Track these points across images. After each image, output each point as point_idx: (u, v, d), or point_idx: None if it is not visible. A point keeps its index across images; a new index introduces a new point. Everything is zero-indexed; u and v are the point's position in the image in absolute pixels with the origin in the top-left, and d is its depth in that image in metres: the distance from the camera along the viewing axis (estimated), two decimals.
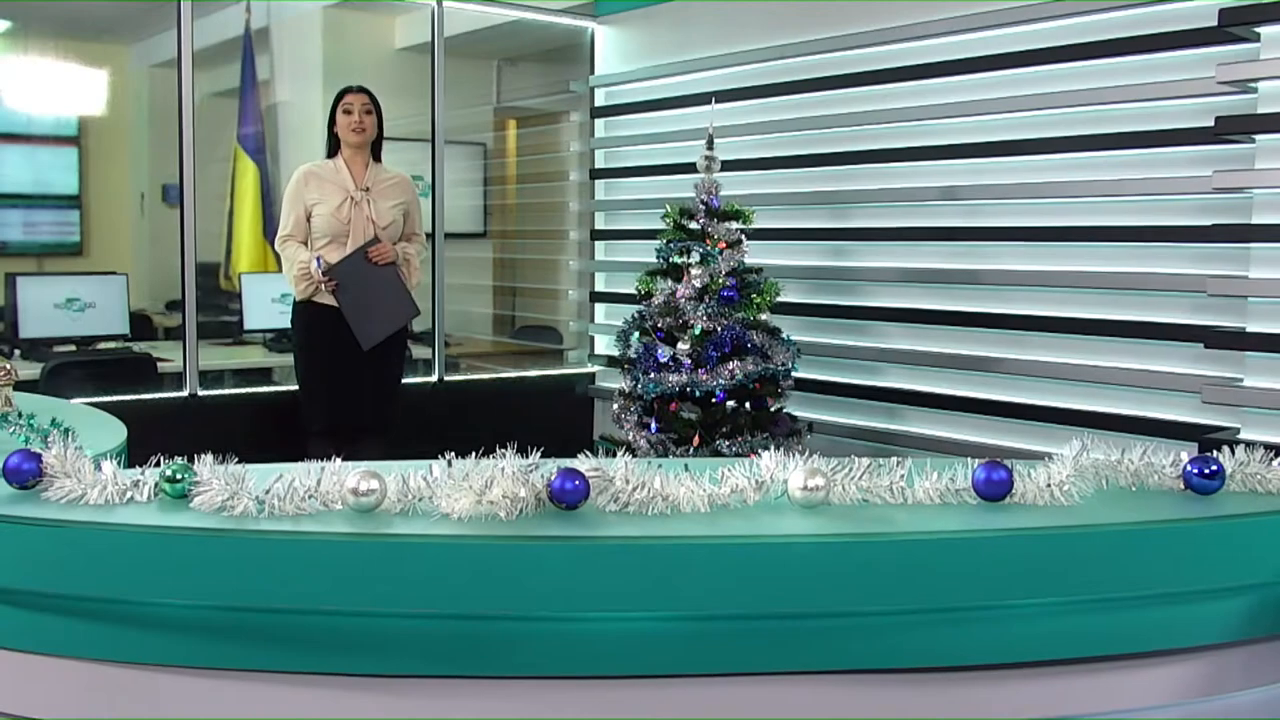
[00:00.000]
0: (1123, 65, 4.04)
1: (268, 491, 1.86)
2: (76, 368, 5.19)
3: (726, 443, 4.11)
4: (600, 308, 6.09)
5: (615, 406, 4.36)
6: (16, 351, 5.52)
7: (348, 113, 4.74)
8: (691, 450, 4.13)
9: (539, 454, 1.95)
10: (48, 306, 5.61)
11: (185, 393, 5.07)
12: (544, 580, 1.78)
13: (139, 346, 5.75)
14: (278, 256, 4.86)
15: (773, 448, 4.06)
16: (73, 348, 5.58)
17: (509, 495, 1.85)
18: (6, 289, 5.71)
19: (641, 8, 5.77)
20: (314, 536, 1.77)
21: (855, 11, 4.76)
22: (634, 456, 4.09)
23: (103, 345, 5.68)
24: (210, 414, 5.08)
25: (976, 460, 2.08)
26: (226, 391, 5.38)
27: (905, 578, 1.85)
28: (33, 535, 1.84)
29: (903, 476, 2.03)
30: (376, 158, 4.85)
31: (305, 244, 4.72)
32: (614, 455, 4.22)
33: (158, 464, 1.99)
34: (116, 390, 4.97)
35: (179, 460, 1.95)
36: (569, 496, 1.88)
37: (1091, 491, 2.08)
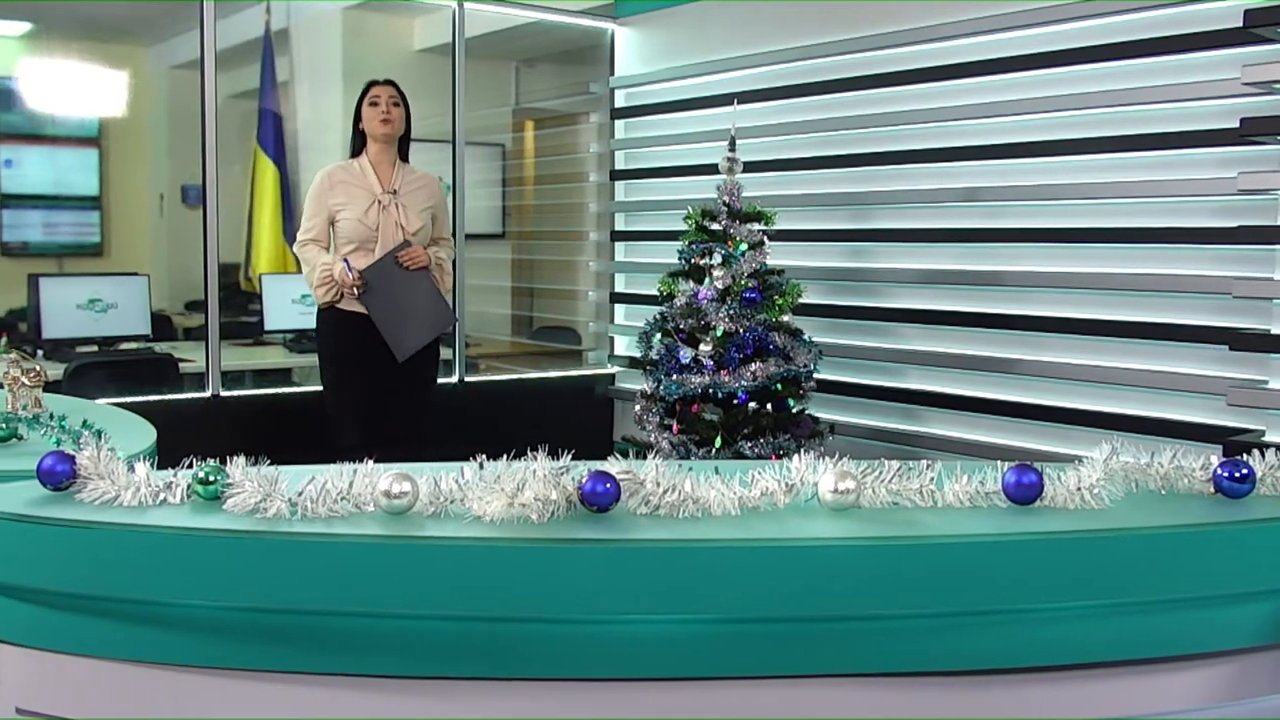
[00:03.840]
0: (1147, 66, 4.02)
1: (300, 494, 1.86)
2: (99, 368, 5.20)
3: (748, 444, 4.10)
4: (620, 309, 6.09)
5: (637, 408, 4.36)
6: (39, 351, 5.54)
7: (374, 104, 4.53)
8: (713, 452, 4.13)
9: (569, 456, 1.95)
10: (70, 307, 5.63)
11: (208, 393, 5.08)
12: (576, 583, 1.79)
13: (160, 347, 5.77)
14: (298, 259, 4.68)
15: (798, 450, 4.08)
16: (95, 348, 5.60)
17: (540, 498, 1.85)
18: (29, 290, 5.74)
19: (661, 9, 5.77)
20: (347, 539, 1.78)
21: (877, 12, 4.75)
22: (657, 458, 4.11)
23: (124, 346, 5.70)
24: (233, 415, 5.09)
25: (1006, 463, 2.08)
26: (249, 392, 5.39)
27: (936, 581, 1.85)
28: (67, 536, 1.85)
29: (932, 480, 2.03)
30: (404, 157, 4.65)
31: (328, 249, 4.52)
32: (640, 457, 4.24)
33: (188, 465, 2.00)
34: (138, 390, 4.99)
35: (211, 462, 1.95)
36: (600, 499, 1.88)
37: (1121, 495, 2.08)
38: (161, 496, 1.93)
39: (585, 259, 6.49)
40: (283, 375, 6.07)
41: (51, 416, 2.34)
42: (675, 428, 4.22)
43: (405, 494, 1.86)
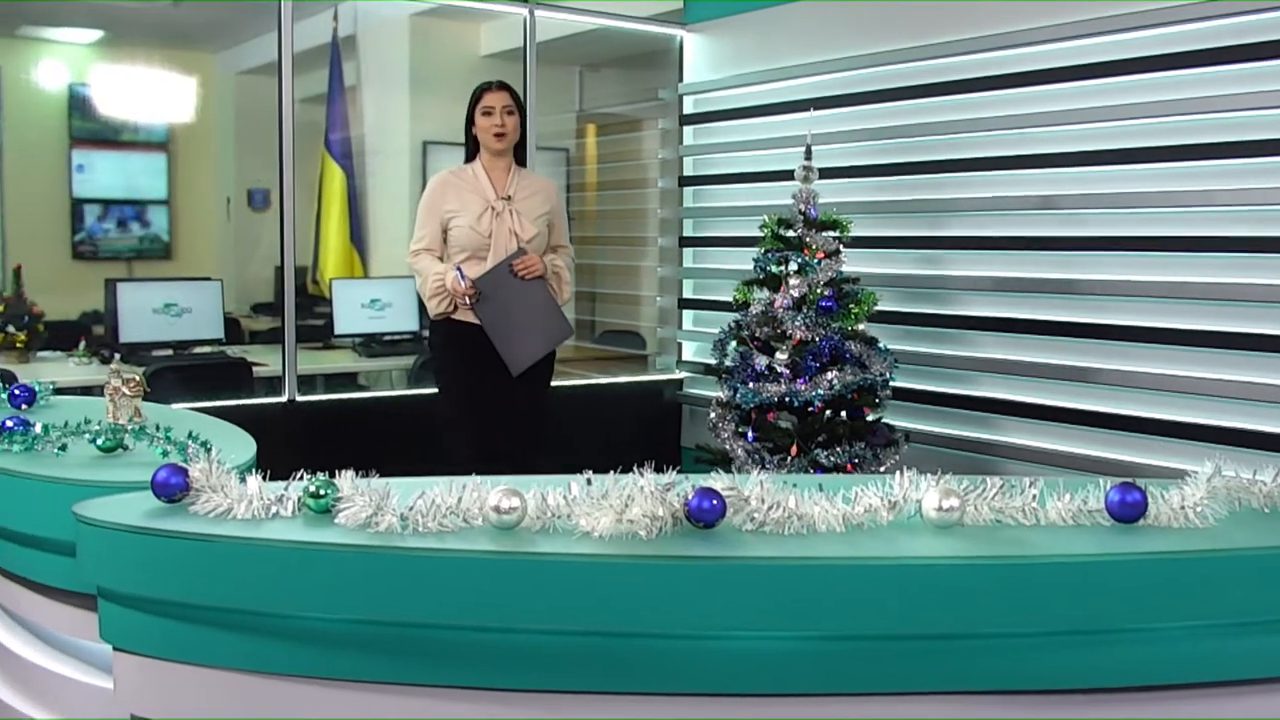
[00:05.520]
0: (1224, 74, 3.98)
1: (411, 508, 1.89)
2: (175, 372, 5.27)
3: (824, 452, 4.10)
4: (688, 314, 6.10)
5: (712, 415, 4.37)
6: (117, 355, 5.63)
7: (487, 114, 4.28)
8: (789, 460, 4.14)
9: (673, 472, 1.97)
10: (146, 312, 5.72)
11: (284, 398, 5.12)
12: (685, 599, 1.80)
13: (231, 350, 5.85)
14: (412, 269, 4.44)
15: (874, 458, 4.07)
16: (170, 352, 5.68)
17: (648, 514, 1.87)
18: (107, 295, 5.83)
19: (731, 16, 5.78)
20: (460, 554, 1.81)
21: (950, 19, 4.73)
22: (731, 465, 4.13)
23: (198, 350, 5.78)
24: (309, 419, 5.12)
25: (1108, 480, 2.08)
26: (324, 397, 5.42)
27: (1041, 600, 1.85)
28: (184, 549, 1.89)
29: (1035, 497, 2.03)
30: (520, 161, 4.45)
31: (441, 258, 4.32)
32: (715, 464, 4.25)
33: (296, 476, 2.04)
34: (213, 395, 5.03)
35: (321, 475, 1.99)
36: (706, 515, 1.90)
37: (1225, 513, 2.06)
38: (274, 510, 1.97)
39: (651, 264, 6.51)
40: (349, 378, 6.13)
41: (157, 427, 2.38)
42: (751, 435, 4.23)
43: (514, 509, 1.88)
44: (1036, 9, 4.43)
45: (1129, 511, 2.01)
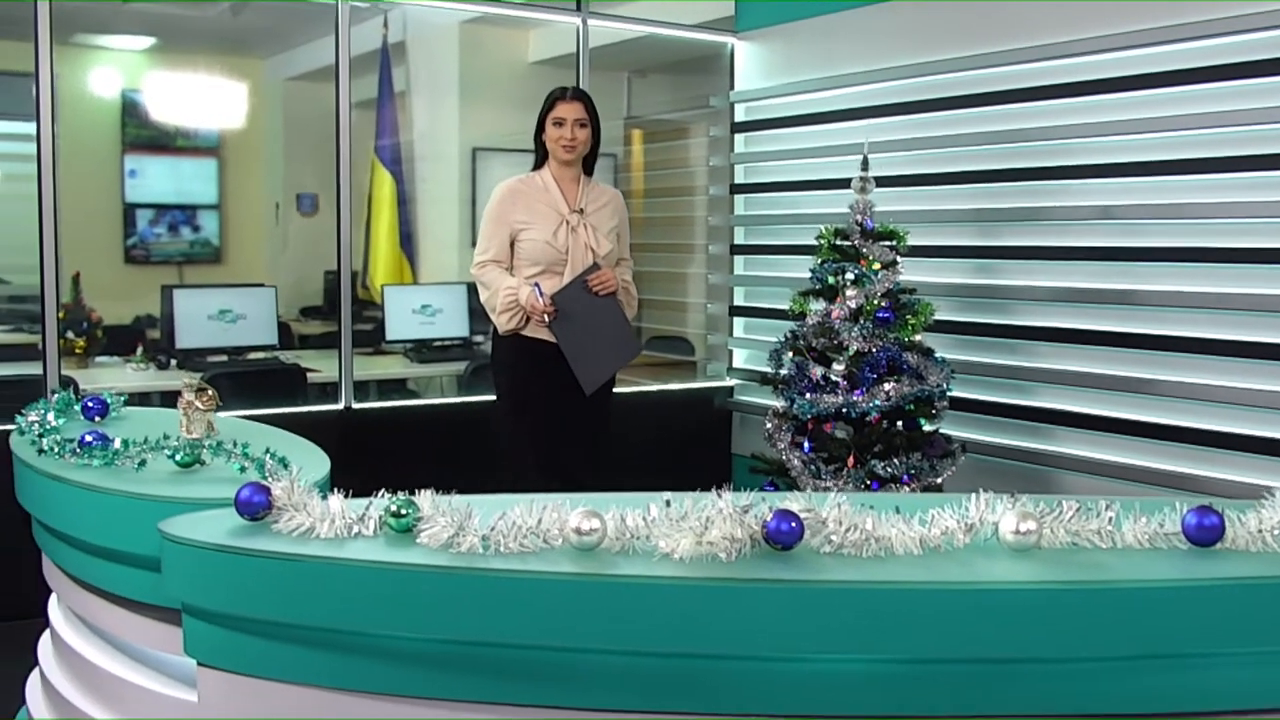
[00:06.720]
0: None
1: (493, 529, 1.91)
2: (230, 378, 5.32)
3: (881, 463, 4.10)
4: (739, 321, 6.11)
5: (768, 425, 4.37)
6: (173, 361, 5.70)
7: (558, 124, 4.11)
8: (845, 471, 4.14)
9: (756, 494, 1.98)
10: (201, 318, 5.78)
11: (340, 405, 5.15)
12: (763, 622, 1.82)
13: (284, 356, 5.90)
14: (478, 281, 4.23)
15: (931, 470, 4.06)
16: (225, 358, 5.74)
17: (727, 536, 1.88)
18: (163, 301, 5.90)
19: (783, 24, 5.78)
20: (543, 576, 1.83)
21: (1006, 28, 4.71)
22: (788, 475, 4.13)
23: (252, 355, 5.84)
24: (365, 427, 5.14)
25: (1184, 503, 2.07)
26: (380, 405, 5.45)
27: (1119, 625, 1.85)
28: (269, 568, 1.93)
29: (1111, 520, 2.03)
30: (588, 172, 4.28)
31: (510, 270, 4.15)
32: (771, 474, 4.25)
33: (378, 494, 2.06)
34: (268, 401, 5.07)
35: (402, 495, 2.01)
36: (785, 538, 1.91)
37: None
38: (355, 529, 1.99)
39: (699, 270, 6.52)
40: (399, 384, 6.18)
41: (234, 444, 2.42)
42: (807, 446, 4.23)
43: (595, 531, 1.90)
44: (1095, 18, 4.40)
45: (1206, 535, 2.01)
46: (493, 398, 4.39)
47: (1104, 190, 4.43)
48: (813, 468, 4.18)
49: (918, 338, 4.31)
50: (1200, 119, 4.12)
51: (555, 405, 4.11)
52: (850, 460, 4.14)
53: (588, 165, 4.26)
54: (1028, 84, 4.64)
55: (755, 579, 1.82)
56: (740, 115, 6.05)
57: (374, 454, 4.91)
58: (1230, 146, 4.07)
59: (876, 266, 4.24)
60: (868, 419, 4.16)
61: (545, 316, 3.98)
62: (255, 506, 2.03)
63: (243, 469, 2.37)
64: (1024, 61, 4.64)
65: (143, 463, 2.45)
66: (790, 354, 4.34)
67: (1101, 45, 4.37)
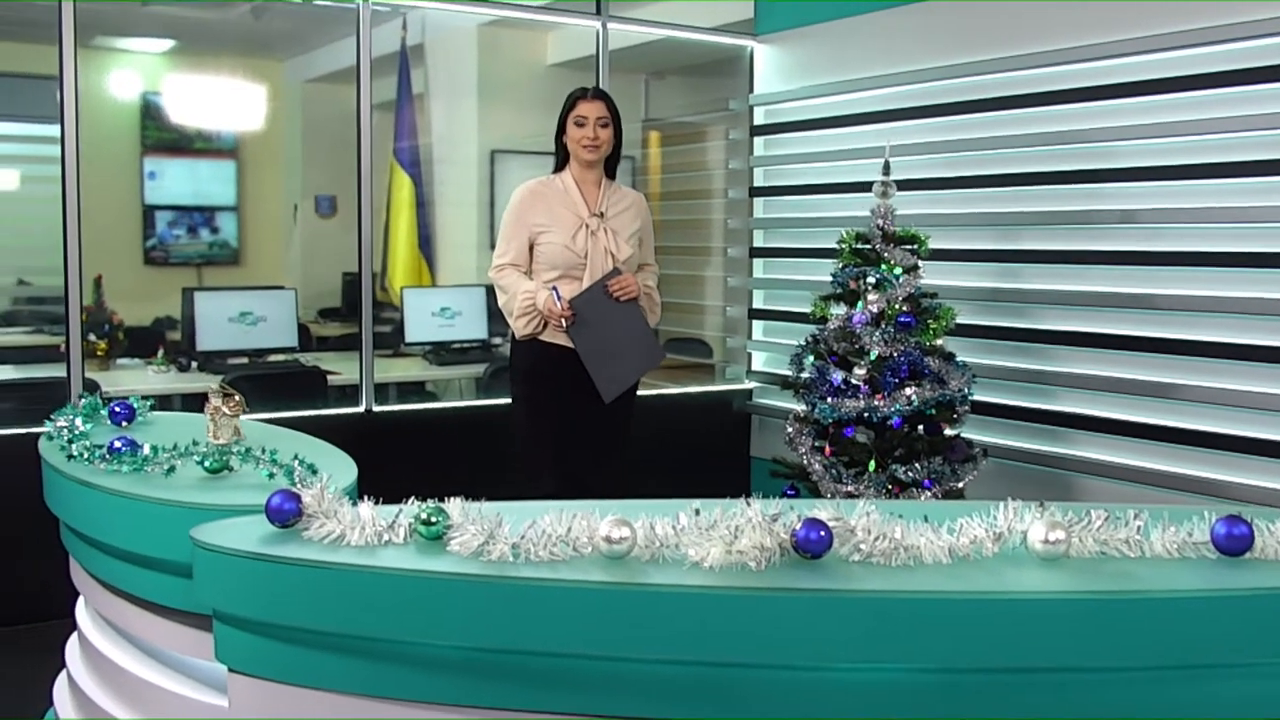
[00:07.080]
0: None
1: (523, 537, 1.92)
2: (250, 380, 5.33)
3: (902, 468, 4.10)
4: (758, 324, 6.11)
5: (789, 429, 4.37)
6: (194, 364, 5.72)
7: (580, 124, 4.04)
8: (865, 474, 4.14)
9: (784, 502, 1.98)
10: (222, 320, 5.80)
11: (361, 408, 5.16)
12: (793, 631, 1.82)
13: (304, 358, 5.91)
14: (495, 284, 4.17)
15: (952, 474, 4.05)
16: (245, 360, 5.76)
17: (757, 545, 1.89)
18: (183, 303, 5.92)
19: (802, 27, 5.77)
20: (572, 584, 1.83)
21: (1025, 32, 4.70)
22: (808, 479, 4.13)
23: (272, 358, 5.85)
24: (386, 429, 5.14)
25: (1212, 512, 2.07)
26: (401, 408, 5.45)
27: (1148, 635, 1.86)
28: (300, 575, 1.94)
29: (1139, 529, 2.03)
30: (610, 174, 4.20)
31: (528, 274, 4.10)
32: (792, 478, 4.25)
33: (408, 502, 2.07)
34: (289, 403, 5.09)
35: (431, 502, 2.02)
36: (814, 547, 1.91)
37: None
38: (385, 536, 2.00)
39: (716, 273, 6.52)
40: (417, 386, 6.20)
41: (263, 450, 2.43)
42: (828, 450, 4.23)
43: (625, 539, 1.91)
44: (1115, 22, 4.39)
45: (1235, 544, 2.01)
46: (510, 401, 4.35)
47: (1126, 194, 4.43)
48: (834, 472, 4.18)
49: (939, 342, 4.31)
50: (1222, 123, 4.11)
51: (573, 410, 4.06)
52: (871, 465, 4.14)
53: (610, 168, 4.19)
54: (1049, 88, 4.63)
55: (785, 588, 1.82)
56: (760, 118, 6.05)
57: (394, 457, 4.92)
58: (1253, 151, 4.06)
59: (898, 271, 4.23)
60: (889, 423, 4.16)
61: (563, 321, 3.93)
62: (286, 514, 2.05)
63: (271, 475, 2.38)
64: (1045, 65, 4.63)
65: (172, 469, 2.46)
66: (811, 358, 4.34)
67: (1125, 49, 4.36)
